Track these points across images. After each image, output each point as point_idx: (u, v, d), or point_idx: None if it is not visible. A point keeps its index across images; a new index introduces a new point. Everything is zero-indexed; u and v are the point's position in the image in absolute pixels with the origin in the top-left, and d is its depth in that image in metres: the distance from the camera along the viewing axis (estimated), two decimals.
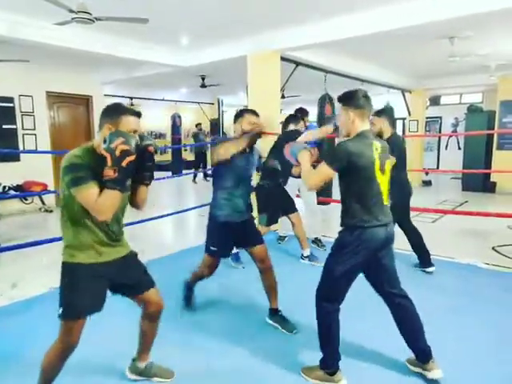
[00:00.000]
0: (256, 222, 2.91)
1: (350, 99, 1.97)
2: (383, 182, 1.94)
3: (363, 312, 2.73)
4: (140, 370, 2.07)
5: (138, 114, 1.73)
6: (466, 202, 7.29)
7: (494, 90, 8.98)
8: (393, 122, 3.39)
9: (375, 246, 1.93)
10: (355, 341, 2.41)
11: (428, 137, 12.35)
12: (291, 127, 3.94)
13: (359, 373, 2.14)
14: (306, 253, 3.97)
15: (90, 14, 3.56)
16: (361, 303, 2.62)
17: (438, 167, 12.02)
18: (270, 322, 2.64)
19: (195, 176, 10.98)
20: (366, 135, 1.94)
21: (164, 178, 5.87)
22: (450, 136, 11.91)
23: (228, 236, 2.54)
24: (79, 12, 3.52)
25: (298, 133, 3.68)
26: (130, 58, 5.71)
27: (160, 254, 4.05)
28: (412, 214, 5.77)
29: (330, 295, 2.01)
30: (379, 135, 3.35)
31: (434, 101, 11.69)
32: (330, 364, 2.02)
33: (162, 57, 5.98)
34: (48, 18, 4.09)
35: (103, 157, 1.56)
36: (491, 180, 8.64)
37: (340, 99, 2.02)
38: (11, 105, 6.79)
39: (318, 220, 4.61)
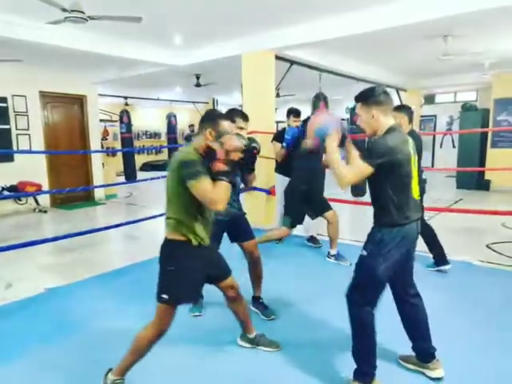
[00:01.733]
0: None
1: (370, 97, 1.91)
2: (415, 176, 1.93)
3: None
4: (249, 339, 2.38)
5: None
6: (461, 199, 7.33)
7: (488, 88, 9.03)
8: (411, 119, 3.37)
9: (412, 242, 1.94)
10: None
11: (423, 135, 12.37)
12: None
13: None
14: (333, 252, 3.98)
15: (84, 12, 3.54)
16: None
17: (432, 165, 12.07)
18: (252, 308, 2.81)
19: None
20: (399, 130, 1.92)
21: (159, 178, 5.85)
22: (445, 134, 11.96)
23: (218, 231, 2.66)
24: (72, 11, 3.50)
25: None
26: (124, 58, 5.69)
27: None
28: None
29: (367, 299, 1.92)
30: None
31: (429, 99, 11.74)
32: (366, 373, 1.94)
33: (156, 56, 5.96)
34: (41, 17, 4.06)
35: (206, 155, 1.80)
36: (485, 178, 8.69)
37: (359, 98, 1.95)
38: (4, 105, 6.74)
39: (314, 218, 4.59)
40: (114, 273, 3.74)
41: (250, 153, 1.93)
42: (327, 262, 4.00)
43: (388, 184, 1.84)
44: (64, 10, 3.47)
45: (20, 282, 3.55)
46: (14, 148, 6.85)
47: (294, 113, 4.28)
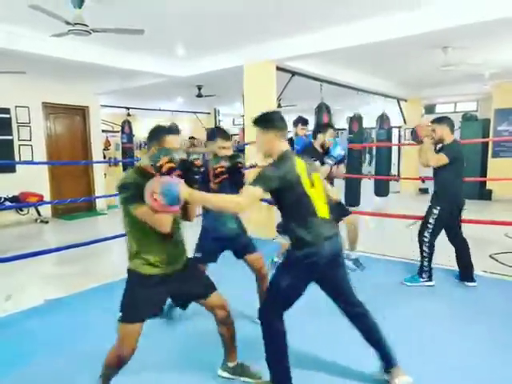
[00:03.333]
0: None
1: (268, 122, 2.00)
2: (315, 195, 1.95)
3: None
4: (230, 368, 2.24)
5: (179, 132, 1.92)
6: (463, 209, 7.30)
7: (489, 98, 9.06)
8: (452, 129, 3.45)
9: (321, 260, 1.92)
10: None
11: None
12: (320, 139, 3.74)
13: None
14: (353, 256, 3.99)
15: (87, 25, 3.57)
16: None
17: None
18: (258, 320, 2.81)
19: None
20: (287, 155, 1.98)
21: None
22: None
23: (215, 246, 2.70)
24: (76, 24, 3.53)
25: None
26: (127, 69, 5.74)
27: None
28: (409, 222, 5.83)
29: (277, 311, 1.99)
30: (440, 142, 3.46)
31: (430, 109, 11.77)
32: (280, 380, 2.00)
33: (158, 67, 6.01)
34: (44, 29, 4.11)
35: (152, 175, 1.70)
36: (487, 188, 8.67)
37: (257, 122, 2.02)
38: (7, 116, 6.79)
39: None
40: (115, 284, 3.72)
41: (191, 166, 1.85)
42: None
43: (287, 206, 1.94)
44: (67, 22, 3.51)
45: (21, 293, 3.53)
46: (16, 159, 6.88)
47: (301, 121, 4.29)
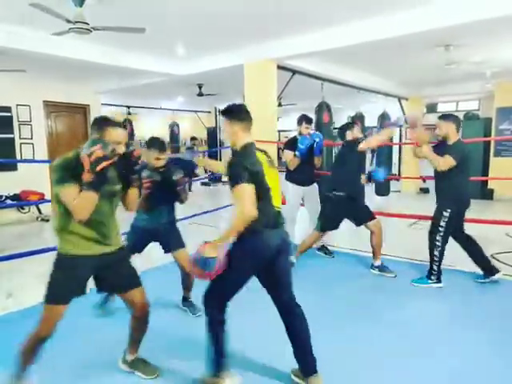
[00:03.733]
0: None
1: (234, 113, 2.07)
2: (273, 186, 2.04)
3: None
4: (128, 362, 2.24)
5: (124, 127, 1.96)
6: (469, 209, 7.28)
7: (491, 97, 9.03)
8: (458, 128, 3.36)
9: (270, 250, 1.97)
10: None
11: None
12: (348, 136, 3.86)
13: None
14: (377, 263, 3.89)
15: (87, 23, 3.57)
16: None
17: None
18: (182, 307, 3.07)
19: (190, 185, 11.04)
20: (250, 146, 2.04)
21: None
22: None
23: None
24: (76, 22, 3.53)
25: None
26: (128, 68, 5.74)
27: (152, 265, 4.02)
28: (409, 222, 5.82)
29: (222, 301, 2.03)
30: (444, 139, 3.36)
31: (431, 108, 11.74)
32: (217, 367, 2.05)
33: (159, 66, 6.01)
34: (45, 28, 4.11)
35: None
36: (489, 187, 8.64)
37: (224, 113, 2.09)
38: (9, 114, 6.79)
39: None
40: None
41: (130, 157, 1.93)
42: (343, 272, 3.98)
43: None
44: (68, 21, 3.51)
45: (22, 292, 3.53)
46: (18, 157, 6.89)
47: (305, 120, 4.24)
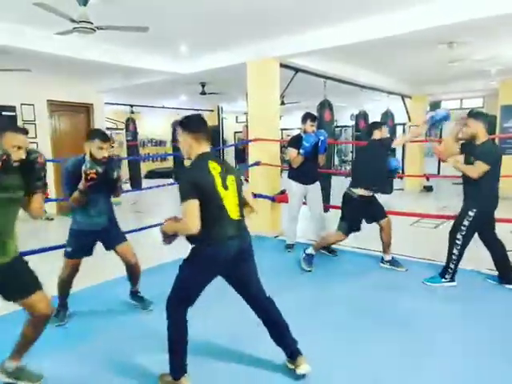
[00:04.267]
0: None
1: (186, 125, 2.06)
2: (228, 197, 2.00)
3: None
4: (9, 370, 2.08)
5: (24, 131, 1.89)
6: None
7: (495, 94, 8.98)
8: (487, 128, 3.23)
9: (227, 258, 2.01)
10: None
11: (428, 142, 12.35)
12: (376, 135, 3.81)
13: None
14: (387, 257, 3.94)
15: (91, 23, 3.58)
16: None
17: (438, 172, 11.99)
18: (132, 301, 3.10)
19: None
20: (201, 158, 2.02)
21: (164, 185, 5.88)
22: None
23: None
24: (80, 22, 3.54)
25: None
26: (131, 66, 5.75)
27: (159, 261, 4.04)
28: (413, 220, 5.80)
29: (181, 303, 2.06)
30: (472, 138, 3.23)
31: (435, 106, 11.68)
32: (176, 369, 2.07)
33: (162, 64, 6.01)
34: (49, 27, 4.12)
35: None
36: None
37: (179, 124, 2.10)
38: (13, 113, 6.82)
39: (326, 227, 4.43)
40: (118, 281, 3.73)
41: (34, 163, 1.94)
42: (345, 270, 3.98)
43: (201, 206, 1.93)
44: (72, 20, 3.52)
45: None
46: None
47: (310, 118, 4.23)
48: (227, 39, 5.14)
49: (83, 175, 2.56)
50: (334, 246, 4.49)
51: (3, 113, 6.67)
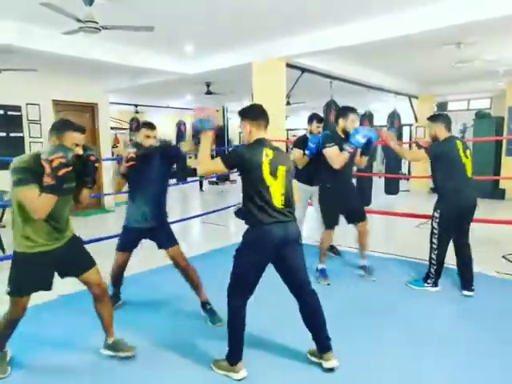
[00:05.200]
0: None
1: (246, 112, 2.24)
2: (274, 185, 2.09)
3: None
4: (108, 345, 2.37)
5: (82, 130, 2.07)
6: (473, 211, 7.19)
7: (503, 95, 8.90)
8: (448, 126, 3.31)
9: (273, 242, 2.08)
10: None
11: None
12: (341, 123, 3.57)
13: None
14: (363, 262, 3.82)
15: (97, 23, 3.57)
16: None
17: None
18: (202, 313, 2.93)
19: (201, 184, 11.06)
20: (260, 142, 2.16)
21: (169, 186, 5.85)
22: None
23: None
24: (86, 21, 3.53)
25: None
26: (136, 66, 5.74)
27: (164, 262, 4.02)
28: (420, 221, 5.75)
29: (238, 291, 2.15)
30: (434, 140, 3.32)
31: (442, 107, 11.60)
32: (234, 356, 2.17)
33: (167, 64, 6.00)
34: (55, 27, 4.13)
35: (43, 167, 1.86)
36: (500, 187, 8.53)
37: (240, 113, 2.25)
38: (19, 113, 6.84)
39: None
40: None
41: (87, 161, 2.08)
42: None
43: (245, 187, 2.13)
44: (78, 20, 3.51)
45: None
46: None
47: (316, 119, 4.16)
48: (233, 39, 5.12)
49: (124, 159, 2.69)
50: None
51: (9, 112, 6.70)
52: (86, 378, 2.23)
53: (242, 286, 2.15)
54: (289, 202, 2.15)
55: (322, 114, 6.55)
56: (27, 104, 6.93)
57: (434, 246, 3.31)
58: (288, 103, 7.65)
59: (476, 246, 4.84)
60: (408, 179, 10.12)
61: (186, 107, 11.99)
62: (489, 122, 8.63)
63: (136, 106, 10.15)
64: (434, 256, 3.33)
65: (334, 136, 3.52)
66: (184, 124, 12.26)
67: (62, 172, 1.85)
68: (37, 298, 3.19)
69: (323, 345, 2.24)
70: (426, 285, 3.41)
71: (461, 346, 2.49)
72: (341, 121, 3.54)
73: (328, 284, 3.63)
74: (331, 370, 2.20)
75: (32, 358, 2.38)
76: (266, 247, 2.09)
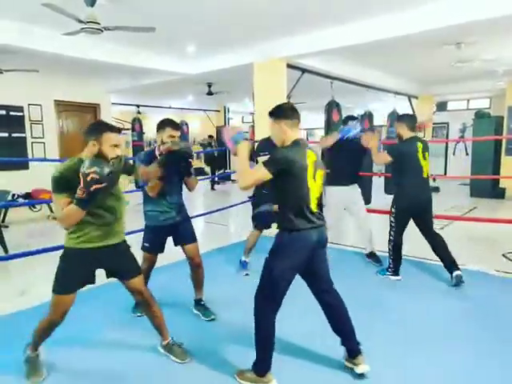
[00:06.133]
0: None
1: (278, 112, 2.11)
2: (313, 188, 2.04)
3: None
4: (162, 346, 2.40)
5: (118, 131, 2.05)
6: (475, 208, 7.21)
7: (502, 95, 8.92)
8: (412, 127, 3.45)
9: (310, 247, 2.03)
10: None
11: (435, 142, 12.29)
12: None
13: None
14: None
15: (99, 23, 3.60)
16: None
17: (445, 173, 11.93)
18: (194, 311, 2.96)
19: (213, 183, 11.14)
20: (300, 143, 2.06)
21: None
22: (458, 142, 11.83)
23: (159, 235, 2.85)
24: (88, 22, 3.56)
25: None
26: (138, 67, 5.77)
27: (169, 261, 4.05)
28: None
29: (269, 298, 2.06)
30: (399, 138, 3.55)
31: (441, 106, 11.63)
32: (261, 366, 2.09)
33: (168, 65, 6.03)
34: (57, 28, 4.16)
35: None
36: (500, 186, 8.55)
37: (271, 113, 2.14)
38: (21, 114, 6.88)
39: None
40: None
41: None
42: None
43: (286, 191, 2.01)
44: (80, 21, 3.54)
45: (34, 289, 3.58)
46: (29, 156, 6.97)
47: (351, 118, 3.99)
48: (234, 40, 5.15)
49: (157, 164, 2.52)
50: (334, 245, 4.44)
51: (11, 113, 6.74)
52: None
53: (273, 292, 2.05)
54: (320, 205, 2.12)
55: (323, 115, 6.61)
56: (29, 104, 6.98)
57: (391, 238, 3.56)
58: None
59: (476, 245, 4.88)
60: None
61: (188, 107, 12.01)
62: (488, 122, 8.64)
63: (138, 106, 10.18)
64: (390, 247, 3.58)
65: (266, 144, 3.35)
66: (186, 124, 12.28)
67: (93, 188, 1.83)
68: (37, 299, 3.25)
69: (353, 349, 2.19)
70: (387, 273, 3.64)
71: (459, 344, 2.50)
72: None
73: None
74: (363, 375, 2.14)
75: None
76: (303, 253, 2.03)
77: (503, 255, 4.32)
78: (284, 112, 2.10)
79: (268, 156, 1.99)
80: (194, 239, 2.89)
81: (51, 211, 7.01)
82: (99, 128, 2.00)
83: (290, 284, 2.06)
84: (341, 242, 4.80)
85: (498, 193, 8.41)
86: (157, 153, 2.63)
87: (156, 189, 2.67)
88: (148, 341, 2.50)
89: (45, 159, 7.21)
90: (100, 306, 3.15)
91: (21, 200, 6.50)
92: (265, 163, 1.95)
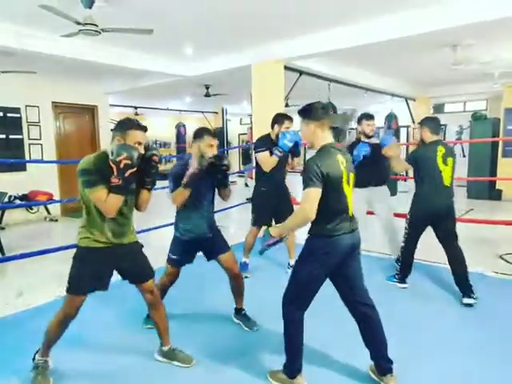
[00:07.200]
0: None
1: (308, 112, 2.01)
2: (349, 193, 1.99)
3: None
4: (163, 352, 2.37)
5: (144, 129, 2.07)
6: (472, 209, 7.23)
7: (499, 97, 8.97)
8: (433, 130, 3.23)
9: (342, 252, 1.97)
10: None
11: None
12: (276, 129, 3.59)
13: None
14: (292, 262, 3.81)
15: (97, 25, 3.60)
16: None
17: None
18: (235, 320, 2.87)
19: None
20: (329, 149, 1.97)
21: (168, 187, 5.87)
22: (455, 144, 11.84)
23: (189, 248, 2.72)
24: (86, 24, 3.56)
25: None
26: (136, 68, 5.77)
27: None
28: None
29: (296, 301, 2.03)
30: (422, 142, 3.33)
31: (438, 108, 11.68)
32: (292, 368, 2.07)
33: (166, 66, 6.04)
34: (55, 29, 4.15)
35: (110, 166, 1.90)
36: (497, 188, 8.58)
37: (300, 113, 2.05)
38: (18, 115, 6.86)
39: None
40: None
41: (149, 161, 2.06)
42: None
43: (324, 204, 1.89)
44: (78, 22, 3.54)
45: (31, 291, 3.57)
46: (27, 157, 6.95)
47: (366, 117, 3.95)
48: (232, 42, 5.15)
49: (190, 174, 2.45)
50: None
51: (8, 114, 6.73)
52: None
53: (302, 295, 2.02)
54: (353, 208, 2.04)
55: None
56: (26, 106, 6.96)
57: (403, 245, 3.43)
58: (287, 105, 7.68)
59: (473, 246, 4.89)
60: (406, 180, 10.15)
61: (186, 109, 12.02)
62: (485, 124, 8.68)
63: (136, 108, 10.19)
64: (400, 253, 3.50)
65: (265, 140, 3.61)
66: (184, 126, 12.25)
67: (128, 173, 1.89)
68: (35, 301, 3.24)
69: (383, 366, 2.09)
70: (394, 280, 3.54)
71: (459, 346, 2.51)
72: (276, 127, 3.59)
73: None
74: None
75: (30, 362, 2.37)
76: (336, 257, 1.97)
77: (500, 257, 4.34)
78: (313, 112, 2.00)
79: (304, 174, 1.90)
80: (227, 247, 2.73)
81: (48, 213, 7.01)
82: (126, 124, 2.02)
83: (319, 287, 2.01)
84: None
85: (494, 194, 8.44)
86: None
87: (181, 198, 2.52)
88: (151, 347, 2.46)
89: (42, 161, 7.21)
90: (107, 307, 3.14)
91: (18, 201, 6.49)
92: (308, 185, 1.87)
